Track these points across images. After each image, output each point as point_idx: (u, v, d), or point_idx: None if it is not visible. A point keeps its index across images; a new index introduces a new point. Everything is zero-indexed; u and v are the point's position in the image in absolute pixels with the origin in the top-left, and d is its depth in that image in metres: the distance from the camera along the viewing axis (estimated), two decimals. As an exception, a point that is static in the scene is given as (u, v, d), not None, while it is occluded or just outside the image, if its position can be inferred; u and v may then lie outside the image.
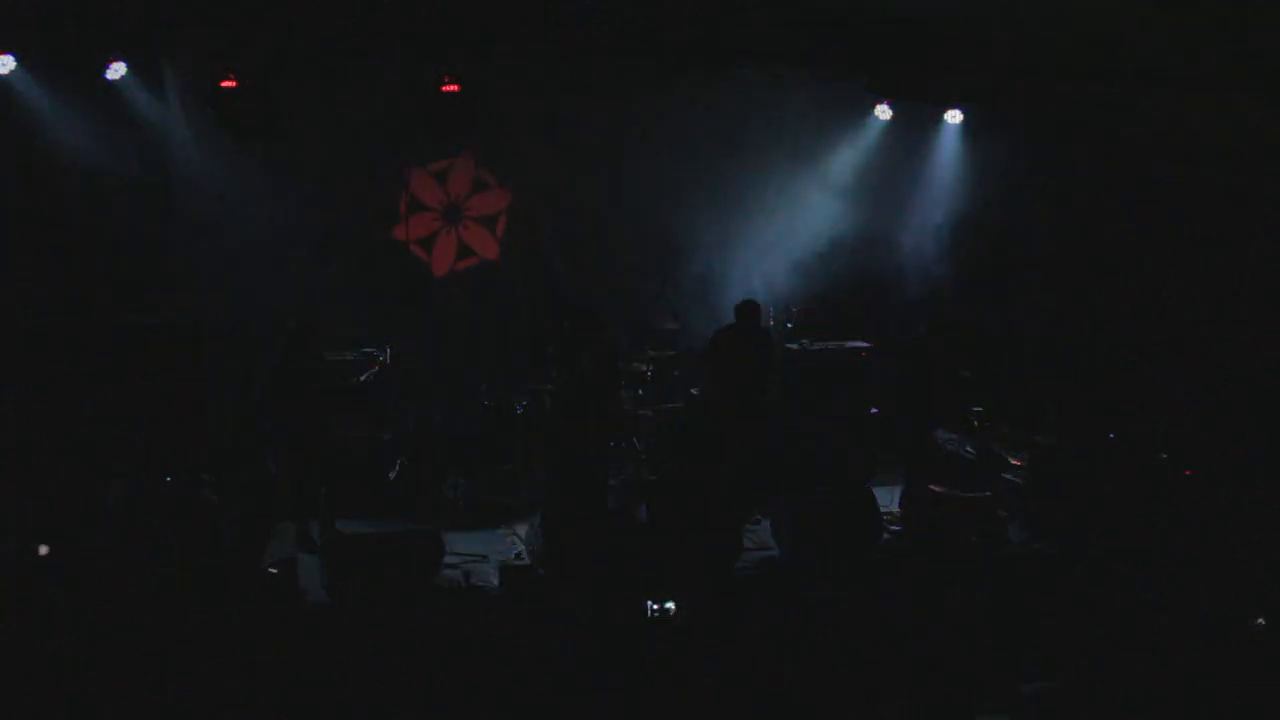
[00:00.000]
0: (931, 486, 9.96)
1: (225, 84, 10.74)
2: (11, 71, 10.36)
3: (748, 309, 10.70)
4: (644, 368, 11.20)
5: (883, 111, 12.13)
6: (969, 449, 10.50)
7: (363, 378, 9.99)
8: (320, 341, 9.67)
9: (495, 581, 8.64)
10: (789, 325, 12.10)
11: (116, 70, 10.65)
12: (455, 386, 11.49)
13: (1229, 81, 10.54)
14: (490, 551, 9.41)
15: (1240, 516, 9.08)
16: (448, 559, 9.03)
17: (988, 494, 9.81)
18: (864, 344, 11.99)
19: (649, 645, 7.10)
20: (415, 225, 12.08)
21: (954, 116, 12.28)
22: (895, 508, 10.08)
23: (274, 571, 8.17)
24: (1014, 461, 10.39)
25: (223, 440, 10.50)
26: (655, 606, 7.26)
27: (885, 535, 9.54)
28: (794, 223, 12.21)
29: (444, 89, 11.00)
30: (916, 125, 12.37)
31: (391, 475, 10.56)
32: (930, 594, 8.12)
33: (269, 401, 9.32)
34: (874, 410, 11.70)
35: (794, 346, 11.92)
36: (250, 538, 9.10)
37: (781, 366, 11.57)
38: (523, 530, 9.66)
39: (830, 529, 9.20)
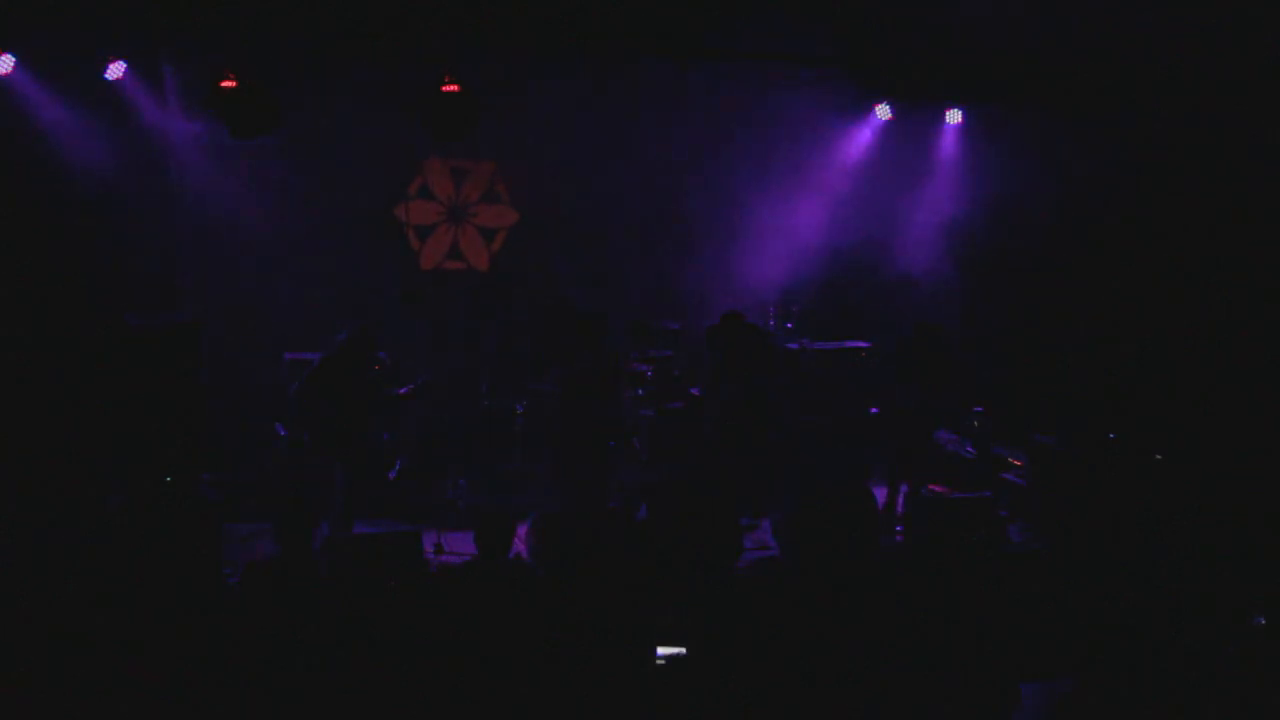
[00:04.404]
0: (932, 486, 9.97)
1: (225, 84, 10.75)
2: (11, 71, 10.36)
3: (730, 322, 10.57)
4: (644, 368, 11.20)
5: (883, 111, 12.14)
6: (969, 449, 10.50)
7: (403, 390, 10.06)
8: (372, 351, 9.72)
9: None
10: (789, 325, 12.10)
11: (116, 70, 10.65)
12: (456, 387, 11.50)
13: (1229, 81, 10.55)
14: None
15: (1240, 516, 9.08)
16: (444, 557, 9.04)
17: (988, 494, 9.81)
18: (864, 344, 11.99)
19: (647, 645, 7.09)
20: (418, 211, 12.13)
21: (954, 116, 12.29)
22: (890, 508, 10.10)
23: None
24: (1014, 461, 10.39)
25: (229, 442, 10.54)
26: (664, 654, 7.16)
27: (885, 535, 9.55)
28: (795, 223, 12.21)
29: (444, 89, 11.02)
30: (916, 125, 12.37)
31: (391, 475, 10.56)
32: (930, 594, 8.11)
33: (310, 405, 9.37)
34: (874, 410, 11.70)
35: (794, 346, 11.92)
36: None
37: (783, 362, 11.52)
38: (523, 530, 9.66)
39: (830, 529, 9.19)
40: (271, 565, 7.64)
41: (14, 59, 10.32)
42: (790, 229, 12.19)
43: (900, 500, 10.30)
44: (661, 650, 6.92)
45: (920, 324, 10.54)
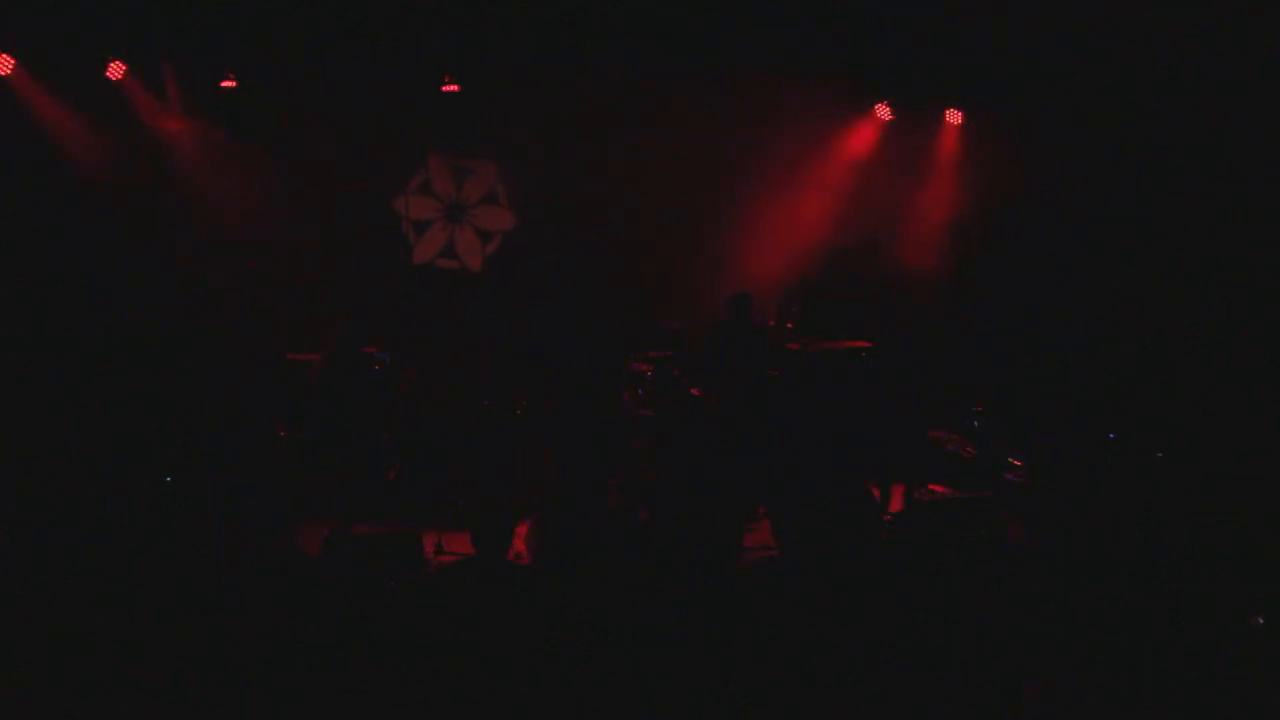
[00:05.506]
0: (932, 486, 9.96)
1: (225, 84, 10.77)
2: (12, 72, 10.36)
3: (739, 302, 10.68)
4: (644, 368, 11.19)
5: (883, 111, 12.14)
6: (969, 449, 10.49)
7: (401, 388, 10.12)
8: (364, 348, 9.74)
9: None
10: (789, 325, 12.09)
11: (116, 70, 10.65)
12: (456, 387, 11.50)
13: (1229, 81, 10.55)
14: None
15: (1240, 516, 9.08)
16: (444, 557, 9.05)
17: (988, 494, 9.81)
18: (864, 344, 11.98)
19: (647, 645, 7.09)
20: (417, 205, 12.16)
21: (954, 116, 12.28)
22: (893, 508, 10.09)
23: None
24: (1014, 461, 10.38)
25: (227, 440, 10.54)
26: None
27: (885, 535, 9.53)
28: (794, 223, 12.21)
29: (444, 89, 11.05)
30: (916, 125, 12.37)
31: (390, 475, 10.55)
32: (930, 594, 8.11)
33: (312, 405, 9.40)
34: (874, 410, 11.68)
35: (794, 346, 11.91)
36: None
37: (777, 358, 11.51)
38: (523, 530, 9.66)
39: (830, 529, 9.19)
40: (271, 564, 7.65)
41: (14, 59, 10.33)
42: (790, 228, 12.18)
43: (891, 502, 10.31)
44: None
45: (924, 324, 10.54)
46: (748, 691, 6.57)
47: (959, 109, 12.24)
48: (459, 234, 12.30)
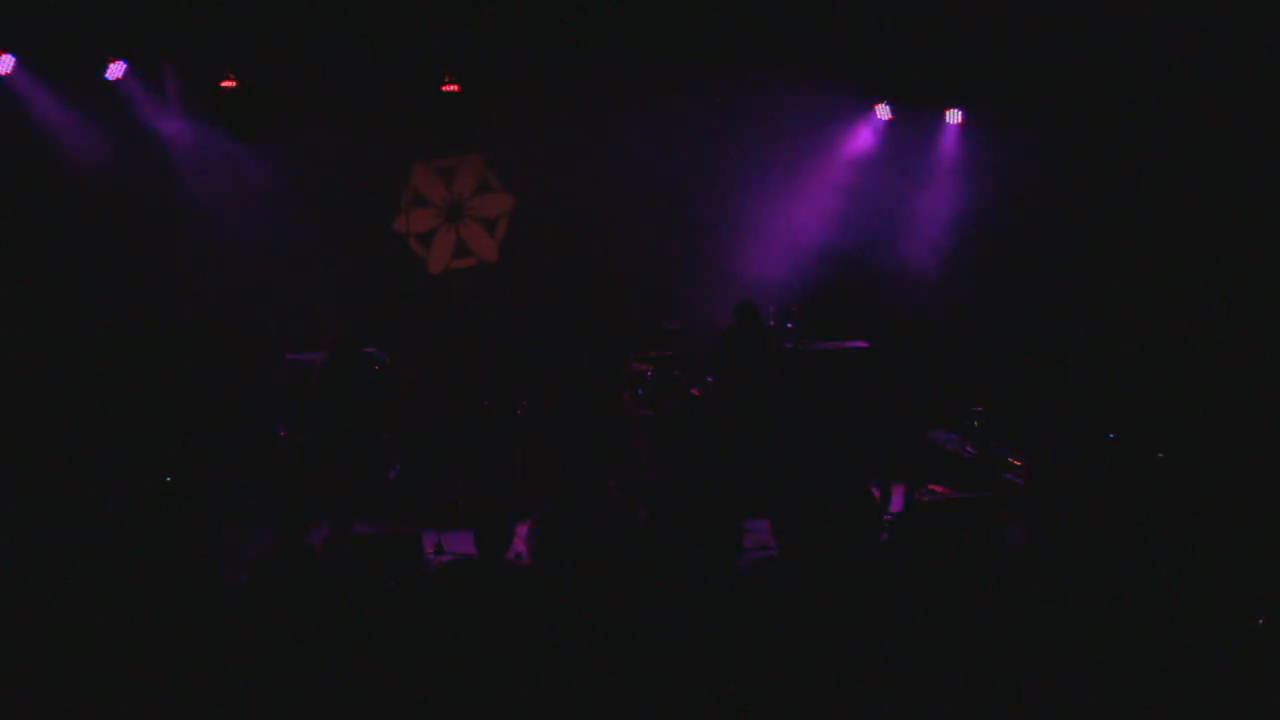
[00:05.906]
0: (932, 486, 9.96)
1: (225, 84, 10.77)
2: (11, 71, 10.36)
3: (746, 311, 10.70)
4: (644, 368, 11.20)
5: (883, 111, 12.14)
6: (969, 449, 10.50)
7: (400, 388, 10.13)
8: (360, 348, 9.74)
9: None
10: (789, 325, 12.09)
11: (116, 70, 10.65)
12: (454, 387, 11.51)
13: (1229, 81, 10.56)
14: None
15: (1240, 516, 9.08)
16: (444, 557, 9.06)
17: (988, 494, 9.81)
18: (864, 344, 11.98)
19: (647, 645, 7.09)
20: (416, 219, 12.13)
21: (954, 116, 12.28)
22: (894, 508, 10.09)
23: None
24: (1014, 461, 10.39)
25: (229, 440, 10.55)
26: None
27: (885, 535, 9.53)
28: (795, 222, 12.21)
29: (444, 89, 11.04)
30: (916, 125, 12.37)
31: (391, 475, 10.56)
32: (930, 594, 8.10)
33: (312, 406, 9.40)
34: (873, 410, 11.69)
35: (789, 345, 11.90)
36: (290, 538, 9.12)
37: (783, 364, 11.53)
38: (523, 530, 9.66)
39: (830, 529, 9.18)
40: (272, 564, 7.64)
41: (14, 59, 10.33)
42: (790, 228, 12.18)
43: (892, 502, 10.31)
44: None
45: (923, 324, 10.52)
46: (748, 691, 6.56)
47: (959, 109, 12.24)
48: (464, 231, 12.29)
